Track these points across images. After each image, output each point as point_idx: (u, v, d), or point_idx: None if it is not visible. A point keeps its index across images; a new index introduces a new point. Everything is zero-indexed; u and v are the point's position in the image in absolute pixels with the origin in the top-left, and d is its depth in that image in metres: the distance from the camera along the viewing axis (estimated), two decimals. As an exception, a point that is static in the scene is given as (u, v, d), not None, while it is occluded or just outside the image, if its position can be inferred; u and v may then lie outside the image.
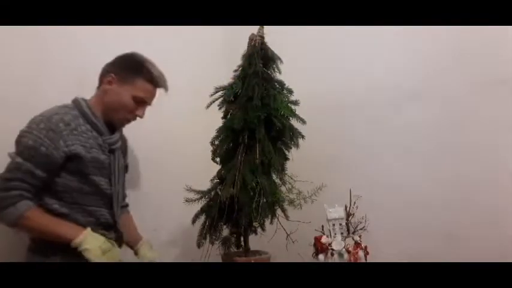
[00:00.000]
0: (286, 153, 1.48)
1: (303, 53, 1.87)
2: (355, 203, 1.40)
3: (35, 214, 1.17)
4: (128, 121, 1.39)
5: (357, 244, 1.33)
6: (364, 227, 1.37)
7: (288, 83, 1.51)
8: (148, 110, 1.44)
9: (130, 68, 1.34)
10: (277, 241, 1.47)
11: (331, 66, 1.81)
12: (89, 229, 1.23)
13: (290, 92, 1.48)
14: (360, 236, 1.36)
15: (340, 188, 1.44)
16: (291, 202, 1.40)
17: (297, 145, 1.46)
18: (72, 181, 1.25)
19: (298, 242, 1.44)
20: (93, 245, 1.19)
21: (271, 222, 1.44)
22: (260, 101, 1.36)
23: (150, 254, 1.45)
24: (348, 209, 1.40)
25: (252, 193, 1.33)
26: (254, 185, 1.32)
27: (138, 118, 1.39)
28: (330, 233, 1.36)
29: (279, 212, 1.44)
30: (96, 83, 1.45)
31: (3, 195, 1.15)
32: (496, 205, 1.42)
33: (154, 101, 1.44)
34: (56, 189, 1.24)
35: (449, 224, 1.50)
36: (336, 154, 1.77)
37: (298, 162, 1.49)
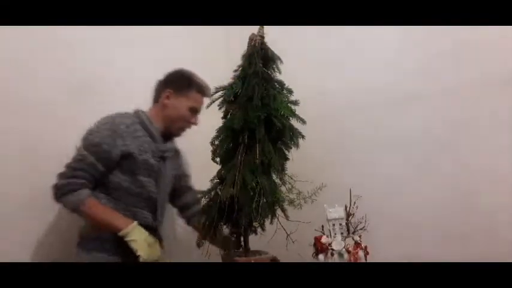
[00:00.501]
0: (286, 153, 1.48)
1: (303, 53, 1.87)
2: (355, 203, 1.39)
3: (93, 202, 1.31)
4: (184, 130, 1.55)
5: (357, 244, 1.33)
6: (364, 227, 1.37)
7: (288, 83, 1.50)
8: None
9: (183, 83, 1.51)
10: (277, 241, 1.47)
11: (331, 66, 1.81)
12: (135, 222, 1.33)
13: (290, 92, 1.48)
14: (360, 236, 1.35)
15: (340, 188, 1.44)
16: (291, 202, 1.40)
17: (297, 145, 1.45)
18: (123, 180, 1.38)
19: (298, 242, 1.44)
20: (139, 237, 1.29)
21: (271, 222, 1.44)
22: (260, 101, 1.36)
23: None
24: (348, 209, 1.39)
25: (252, 193, 1.33)
26: (254, 185, 1.32)
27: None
28: (330, 233, 1.36)
29: (279, 212, 1.44)
30: (95, 82, 1.45)
31: (68, 181, 1.30)
32: (496, 205, 1.42)
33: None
34: (107, 186, 1.37)
35: (449, 224, 1.49)
36: (336, 154, 1.77)
37: (298, 162, 1.49)
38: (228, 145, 1.44)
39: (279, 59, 1.45)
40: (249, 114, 1.35)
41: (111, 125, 1.36)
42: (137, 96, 1.74)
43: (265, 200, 1.35)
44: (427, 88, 1.57)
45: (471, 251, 1.41)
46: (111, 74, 1.67)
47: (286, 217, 1.42)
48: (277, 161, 1.38)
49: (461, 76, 1.50)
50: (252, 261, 1.35)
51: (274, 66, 1.44)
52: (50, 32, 1.46)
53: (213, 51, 2.09)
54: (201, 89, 1.52)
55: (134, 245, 1.28)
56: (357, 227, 1.37)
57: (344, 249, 1.31)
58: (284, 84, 1.47)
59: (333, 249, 1.32)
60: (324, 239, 1.35)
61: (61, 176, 1.32)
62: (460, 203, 1.48)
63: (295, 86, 1.51)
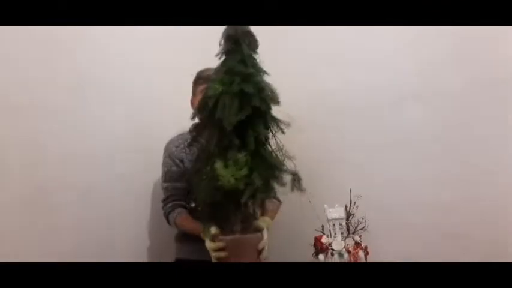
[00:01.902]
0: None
1: (303, 53, 1.87)
2: (355, 203, 1.39)
3: (181, 220, 1.54)
4: None
5: (357, 244, 1.33)
6: (364, 227, 1.37)
7: (288, 84, 1.49)
8: (151, 110, 1.43)
9: (193, 83, 1.64)
10: (275, 243, 1.47)
11: (331, 66, 1.81)
12: (202, 227, 1.34)
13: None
14: (360, 236, 1.35)
15: (340, 188, 1.44)
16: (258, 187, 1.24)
17: (231, 123, 1.24)
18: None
19: (298, 241, 1.44)
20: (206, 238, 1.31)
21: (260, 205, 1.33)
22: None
23: None
24: (348, 209, 1.39)
25: (205, 177, 1.27)
26: (208, 169, 1.26)
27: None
28: (330, 233, 1.36)
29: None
30: (95, 82, 1.44)
31: (164, 210, 1.59)
32: (496, 205, 1.42)
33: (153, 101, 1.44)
34: None
35: (449, 224, 1.49)
36: (336, 154, 1.77)
37: (298, 162, 1.48)
38: None
39: (248, 31, 1.31)
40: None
41: (167, 152, 1.63)
42: (137, 96, 1.75)
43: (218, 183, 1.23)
44: (426, 88, 1.57)
45: (471, 251, 1.41)
46: (111, 73, 1.67)
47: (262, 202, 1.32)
48: (211, 144, 1.26)
49: (461, 76, 1.50)
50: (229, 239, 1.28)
51: (245, 40, 1.30)
52: (49, 32, 1.46)
53: (213, 51, 2.09)
54: (202, 78, 1.56)
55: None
56: (357, 227, 1.37)
57: (344, 249, 1.31)
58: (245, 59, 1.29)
59: (333, 249, 1.32)
60: (324, 239, 1.35)
61: (162, 208, 1.60)
62: (460, 203, 1.48)
63: (295, 86, 1.51)
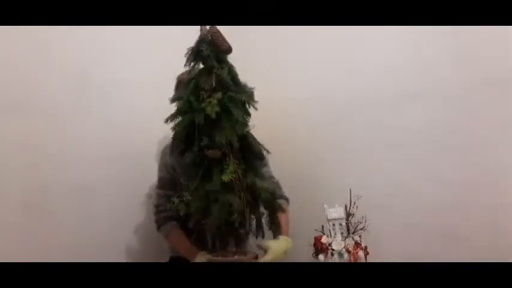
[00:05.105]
0: None
1: (302, 53, 1.87)
2: (355, 203, 1.39)
3: (173, 235, 1.52)
4: None
5: (357, 244, 1.33)
6: (364, 227, 1.37)
7: (288, 84, 1.50)
8: (151, 109, 1.43)
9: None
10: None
11: (331, 66, 1.81)
12: (200, 253, 1.35)
13: None
14: (360, 236, 1.35)
15: (340, 188, 1.44)
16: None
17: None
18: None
19: (298, 241, 1.44)
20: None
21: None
22: None
23: None
24: (348, 209, 1.39)
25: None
26: None
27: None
28: (330, 233, 1.36)
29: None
30: (95, 82, 1.44)
31: (156, 218, 1.57)
32: (496, 205, 1.42)
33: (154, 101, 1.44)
34: None
35: (449, 224, 1.50)
36: (336, 154, 1.77)
37: (298, 162, 1.49)
38: None
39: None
40: None
41: (162, 159, 1.60)
42: (138, 96, 1.75)
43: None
44: (426, 88, 1.57)
45: (471, 251, 1.41)
46: (111, 73, 1.67)
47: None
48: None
49: (461, 76, 1.50)
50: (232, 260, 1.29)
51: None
52: (50, 32, 1.46)
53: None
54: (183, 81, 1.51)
55: None
56: (357, 227, 1.37)
57: (344, 249, 1.31)
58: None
59: (333, 249, 1.32)
60: (324, 239, 1.35)
61: (153, 214, 1.58)
62: (460, 203, 1.48)
63: (295, 86, 1.50)
